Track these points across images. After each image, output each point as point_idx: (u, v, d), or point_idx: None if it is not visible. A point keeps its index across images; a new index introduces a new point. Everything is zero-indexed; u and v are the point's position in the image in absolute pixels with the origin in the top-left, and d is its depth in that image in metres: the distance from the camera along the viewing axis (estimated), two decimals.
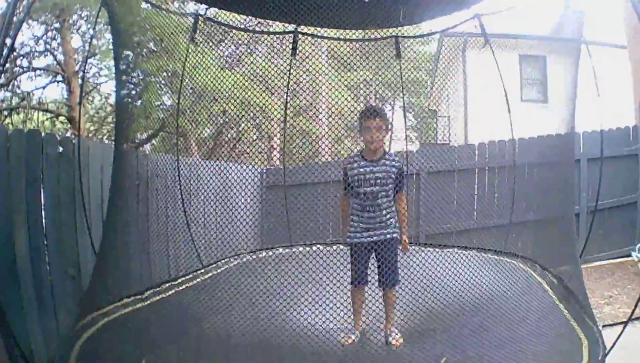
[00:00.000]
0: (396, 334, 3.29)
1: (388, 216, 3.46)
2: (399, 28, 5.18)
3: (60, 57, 15.30)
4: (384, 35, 5.29)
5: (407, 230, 3.58)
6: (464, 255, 4.68)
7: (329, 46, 5.44)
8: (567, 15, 4.07)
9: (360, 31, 5.13)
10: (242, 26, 5.09)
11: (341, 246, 5.32)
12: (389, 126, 3.67)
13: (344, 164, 3.57)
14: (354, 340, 3.30)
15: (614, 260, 7.92)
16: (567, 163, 4.55)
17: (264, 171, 7.57)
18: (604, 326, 3.34)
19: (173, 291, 4.06)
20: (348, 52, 5.64)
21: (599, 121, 5.26)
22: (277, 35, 5.32)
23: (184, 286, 4.19)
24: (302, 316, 3.20)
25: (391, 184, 3.49)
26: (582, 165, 7.91)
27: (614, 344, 3.00)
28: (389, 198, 3.46)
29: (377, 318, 3.28)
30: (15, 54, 13.41)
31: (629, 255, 7.93)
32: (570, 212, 4.27)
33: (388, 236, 3.42)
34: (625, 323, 3.31)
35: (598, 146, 6.07)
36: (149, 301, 3.78)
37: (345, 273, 3.34)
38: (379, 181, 3.42)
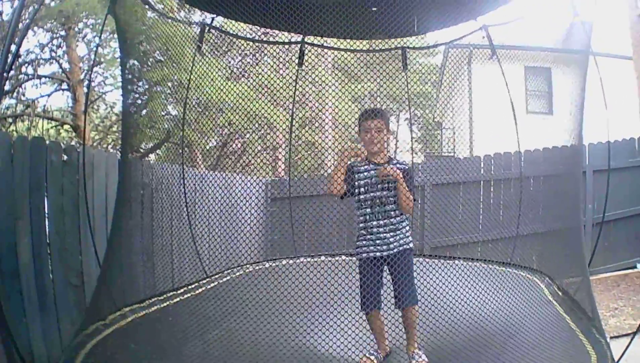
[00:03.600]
0: (420, 356, 3.07)
1: (398, 224, 3.24)
2: (406, 39, 5.17)
3: (66, 65, 15.33)
4: (391, 47, 5.28)
5: (404, 188, 3.21)
6: (469, 266, 4.64)
7: (334, 58, 5.43)
8: (574, 25, 4.03)
9: (366, 42, 5.13)
10: (249, 36, 5.10)
11: (344, 257, 5.30)
12: (390, 129, 3.40)
13: (348, 165, 3.31)
14: (373, 361, 3.10)
15: (619, 271, 7.89)
16: (575, 175, 4.53)
17: (269, 182, 7.56)
18: (609, 338, 3.31)
19: (177, 299, 4.04)
20: (354, 63, 5.62)
21: (604, 132, 5.24)
22: (283, 46, 5.32)
23: (187, 296, 4.17)
24: (305, 325, 3.11)
25: None
26: (588, 177, 7.89)
27: (620, 357, 2.98)
28: (397, 204, 3.24)
29: (397, 339, 3.12)
30: (20, 61, 13.45)
31: (635, 267, 7.92)
32: (578, 223, 4.23)
33: (401, 248, 3.20)
34: (633, 335, 3.29)
35: (603, 157, 6.05)
36: (152, 310, 3.75)
37: (351, 282, 3.25)
38: (386, 185, 3.22)
